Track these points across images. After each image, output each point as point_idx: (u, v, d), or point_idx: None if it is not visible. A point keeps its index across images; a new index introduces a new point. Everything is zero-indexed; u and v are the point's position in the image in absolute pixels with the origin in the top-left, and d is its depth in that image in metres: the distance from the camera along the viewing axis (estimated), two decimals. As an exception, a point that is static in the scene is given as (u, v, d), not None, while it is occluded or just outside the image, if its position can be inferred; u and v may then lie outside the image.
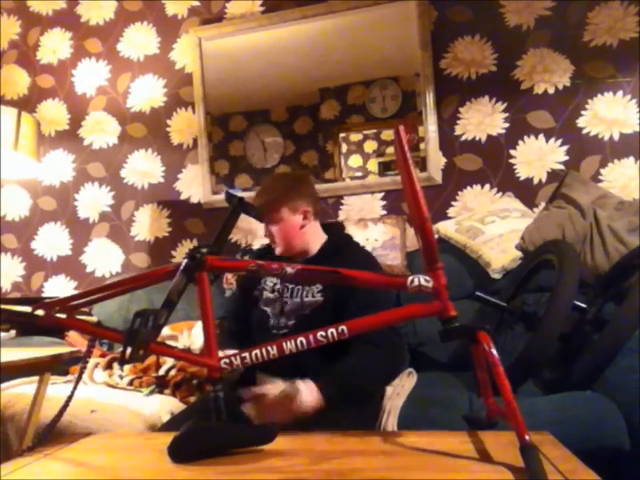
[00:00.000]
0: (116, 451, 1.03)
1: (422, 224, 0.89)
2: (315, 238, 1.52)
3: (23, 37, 3.01)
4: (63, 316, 1.01)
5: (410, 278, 0.91)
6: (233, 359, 0.94)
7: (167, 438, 0.91)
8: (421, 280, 0.90)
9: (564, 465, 0.79)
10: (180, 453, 0.89)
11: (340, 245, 1.54)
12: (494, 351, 0.84)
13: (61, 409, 1.05)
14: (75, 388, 1.05)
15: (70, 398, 1.05)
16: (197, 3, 2.75)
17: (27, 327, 2.02)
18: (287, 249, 1.50)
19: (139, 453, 1.01)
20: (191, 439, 0.90)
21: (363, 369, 1.29)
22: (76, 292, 1.21)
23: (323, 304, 1.41)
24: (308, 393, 1.21)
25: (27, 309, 1.01)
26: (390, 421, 1.35)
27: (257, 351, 0.93)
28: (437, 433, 1.05)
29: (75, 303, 1.01)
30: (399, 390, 1.55)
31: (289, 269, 0.94)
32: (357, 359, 1.29)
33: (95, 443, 1.09)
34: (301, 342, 0.90)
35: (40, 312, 0.99)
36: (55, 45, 2.95)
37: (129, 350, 0.87)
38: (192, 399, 1.62)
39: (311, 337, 0.91)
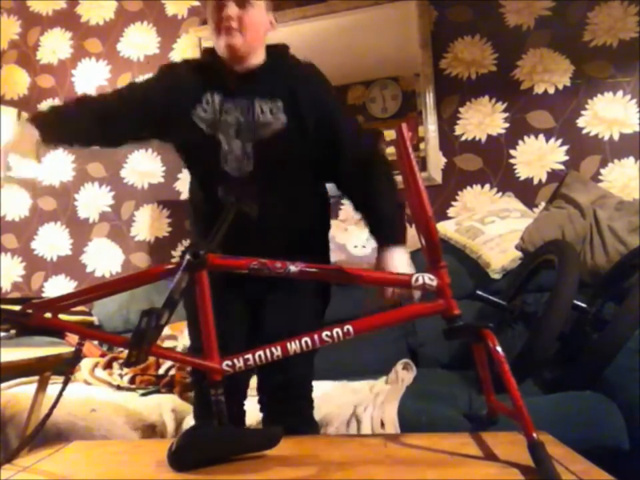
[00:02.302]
0: (104, 461, 0.96)
1: (426, 222, 0.89)
2: (261, 51, 1.36)
3: (23, 37, 3.00)
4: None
5: (414, 276, 0.92)
6: (235, 360, 0.93)
7: (157, 445, 0.87)
8: (425, 278, 0.90)
9: (572, 465, 0.79)
10: (181, 460, 0.87)
11: (285, 60, 1.39)
12: (499, 349, 0.85)
13: (44, 417, 1.00)
14: (62, 390, 1.01)
15: (55, 404, 1.00)
16: (197, 3, 2.75)
17: (24, 327, 2.02)
18: (248, 42, 1.30)
19: (131, 465, 0.94)
20: (192, 446, 0.88)
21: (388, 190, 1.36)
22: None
23: (288, 127, 1.24)
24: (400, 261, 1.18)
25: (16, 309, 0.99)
26: (388, 412, 1.34)
27: (261, 352, 0.92)
28: (438, 435, 1.04)
29: (65, 303, 0.99)
30: (398, 386, 1.55)
31: (293, 267, 0.94)
32: (377, 185, 1.36)
33: (78, 452, 1.01)
34: (306, 342, 0.90)
35: (29, 312, 0.97)
36: (54, 45, 2.95)
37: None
38: (190, 394, 1.61)
39: (316, 336, 0.91)
